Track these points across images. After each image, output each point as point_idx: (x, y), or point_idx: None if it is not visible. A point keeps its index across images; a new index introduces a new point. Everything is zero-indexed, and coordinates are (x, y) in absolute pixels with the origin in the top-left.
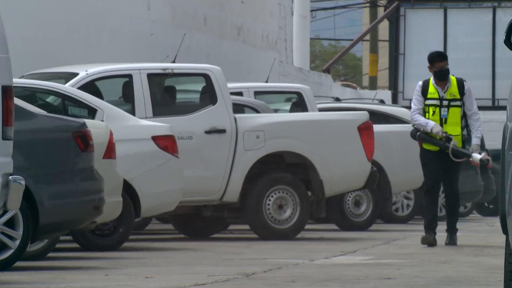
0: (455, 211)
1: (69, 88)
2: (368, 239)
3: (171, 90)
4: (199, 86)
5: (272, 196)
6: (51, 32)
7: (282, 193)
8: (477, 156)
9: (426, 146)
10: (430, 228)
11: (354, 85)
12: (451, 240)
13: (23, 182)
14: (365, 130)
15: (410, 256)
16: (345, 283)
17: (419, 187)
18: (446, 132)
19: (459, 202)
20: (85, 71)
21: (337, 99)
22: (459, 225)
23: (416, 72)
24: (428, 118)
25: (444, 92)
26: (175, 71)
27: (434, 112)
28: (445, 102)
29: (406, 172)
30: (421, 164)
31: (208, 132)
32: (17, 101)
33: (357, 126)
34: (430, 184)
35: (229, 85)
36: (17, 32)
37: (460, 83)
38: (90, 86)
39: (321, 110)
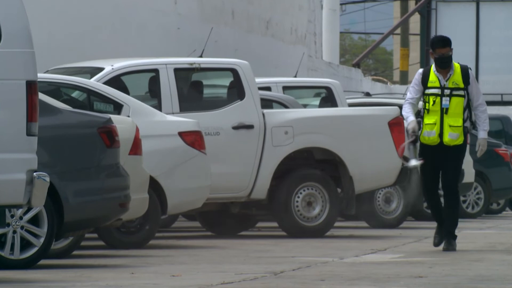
0: (454, 212)
1: (94, 83)
2: (399, 237)
3: (198, 85)
4: (227, 81)
5: (301, 193)
6: (77, 26)
7: (311, 190)
8: (411, 162)
9: (424, 140)
10: (441, 232)
11: (385, 79)
12: (450, 245)
13: (47, 179)
14: (395, 126)
15: (441, 254)
16: (375, 281)
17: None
18: (415, 136)
19: (458, 202)
20: (111, 66)
21: (367, 94)
22: (492, 223)
23: None
24: (429, 108)
25: (446, 81)
26: (202, 65)
27: (434, 101)
28: (446, 91)
29: None
30: None
31: (235, 127)
32: (41, 96)
33: (388, 121)
34: (429, 182)
35: (257, 80)
36: (42, 27)
37: (465, 71)
38: (116, 81)
39: (351, 105)
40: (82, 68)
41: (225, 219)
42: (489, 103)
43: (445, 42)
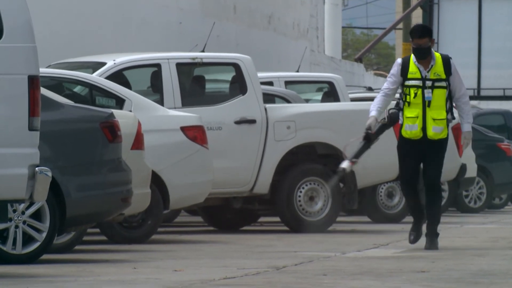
0: (436, 210)
1: (96, 78)
2: (401, 232)
3: (200, 79)
4: (229, 75)
5: (303, 188)
6: (79, 21)
7: (313, 185)
8: (343, 163)
9: (405, 134)
10: (417, 229)
11: (387, 74)
12: (432, 244)
13: (49, 174)
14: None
15: (444, 249)
16: (377, 276)
17: (454, 178)
18: (370, 132)
19: (440, 200)
20: (113, 61)
21: (370, 89)
22: (494, 217)
23: None
24: (410, 101)
25: (428, 71)
26: (204, 60)
27: (416, 94)
28: (428, 83)
29: None
30: (397, 153)
31: (238, 122)
32: (43, 91)
33: None
34: (407, 178)
35: (259, 74)
36: (44, 21)
37: (446, 60)
38: (118, 76)
39: (353, 100)
40: (84, 63)
41: (227, 214)
42: (491, 97)
43: (422, 32)
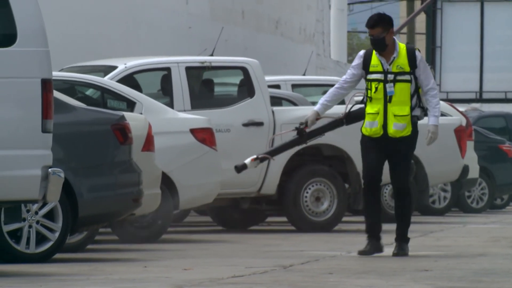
0: (406, 213)
1: (108, 81)
2: None
3: (209, 83)
4: (237, 79)
5: (309, 189)
6: (90, 26)
7: (319, 186)
8: (247, 160)
9: (365, 131)
10: (373, 235)
11: None
12: (401, 249)
13: (62, 175)
14: None
15: (446, 248)
16: (382, 275)
17: (456, 179)
18: (302, 128)
19: (411, 202)
20: (124, 64)
21: None
22: (496, 217)
23: (453, 65)
24: (371, 96)
25: (390, 64)
26: (213, 64)
27: (377, 88)
28: (390, 76)
29: (443, 164)
30: (361, 150)
31: (245, 124)
32: (56, 94)
33: None
34: (370, 177)
35: (267, 78)
36: (57, 26)
37: (411, 52)
38: (129, 79)
39: (358, 103)
40: (96, 66)
41: (235, 214)
42: (493, 100)
43: (375, 21)
